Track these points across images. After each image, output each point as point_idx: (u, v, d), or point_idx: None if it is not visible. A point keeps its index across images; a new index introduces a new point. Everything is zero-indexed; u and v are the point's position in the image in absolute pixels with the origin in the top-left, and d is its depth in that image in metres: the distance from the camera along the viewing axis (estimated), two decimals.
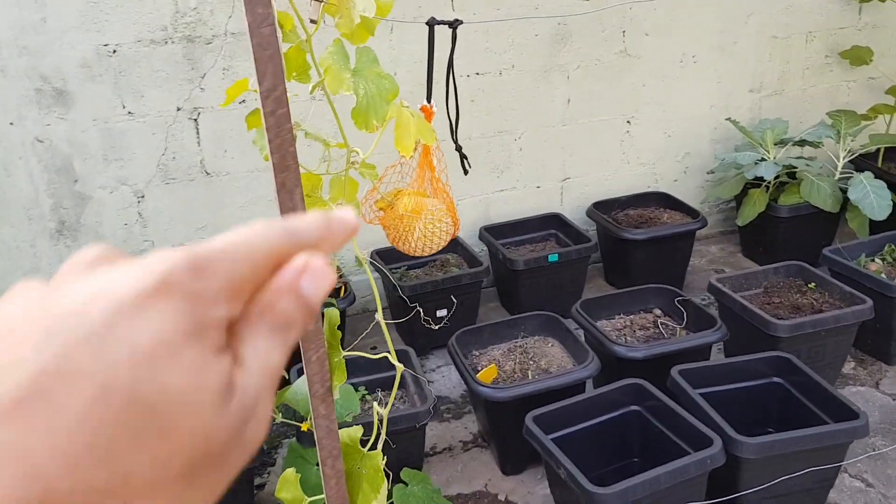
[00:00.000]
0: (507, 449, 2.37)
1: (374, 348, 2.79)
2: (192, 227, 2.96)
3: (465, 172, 1.74)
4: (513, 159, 3.36)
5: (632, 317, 2.73)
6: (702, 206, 3.71)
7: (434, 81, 1.60)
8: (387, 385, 2.40)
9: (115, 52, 2.67)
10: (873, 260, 2.98)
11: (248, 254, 0.31)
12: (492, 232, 3.24)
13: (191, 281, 0.28)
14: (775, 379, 2.30)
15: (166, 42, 2.72)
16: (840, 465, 2.07)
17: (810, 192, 3.26)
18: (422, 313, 1.82)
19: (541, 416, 2.08)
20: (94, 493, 0.25)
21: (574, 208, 3.53)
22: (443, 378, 2.88)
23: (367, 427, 2.08)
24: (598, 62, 3.34)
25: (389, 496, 1.95)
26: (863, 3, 3.67)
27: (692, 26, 3.45)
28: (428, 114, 1.52)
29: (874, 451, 2.40)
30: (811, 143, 3.44)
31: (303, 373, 1.12)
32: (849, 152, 3.50)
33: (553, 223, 3.39)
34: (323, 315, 1.18)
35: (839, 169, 3.48)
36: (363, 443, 1.45)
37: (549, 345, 2.54)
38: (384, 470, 1.40)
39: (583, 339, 2.55)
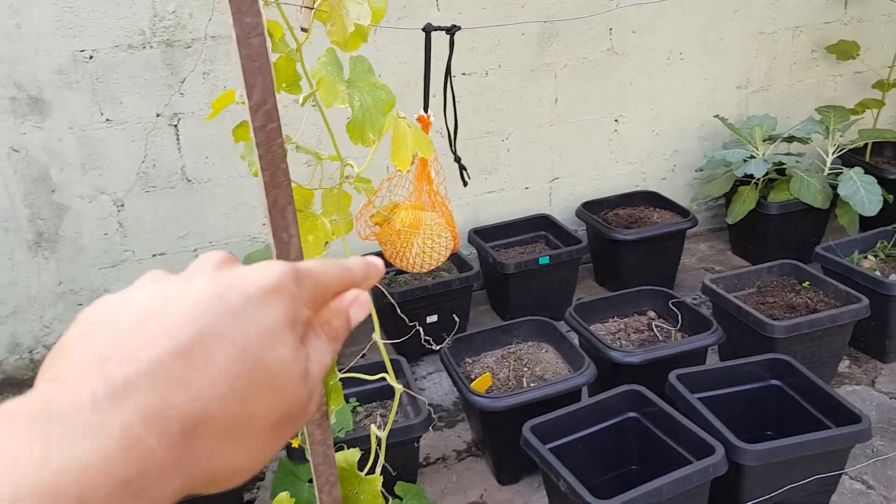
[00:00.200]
0: (503, 458, 2.32)
1: (364, 356, 2.73)
2: (174, 236, 2.89)
3: (465, 184, 1.69)
4: (501, 160, 3.31)
5: (626, 320, 2.69)
6: (691, 205, 3.68)
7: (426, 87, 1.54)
8: (379, 396, 2.35)
9: (91, 57, 2.59)
10: (866, 257, 2.95)
11: (325, 277, 0.42)
12: (481, 234, 3.19)
13: (293, 286, 0.38)
14: (774, 381, 2.26)
15: (144, 47, 2.64)
16: (843, 470, 2.04)
17: (800, 189, 3.24)
18: (422, 333, 1.76)
19: (538, 425, 2.03)
20: (232, 423, 0.34)
21: (563, 209, 3.49)
22: (434, 385, 2.83)
23: (361, 441, 2.03)
24: (585, 61, 3.30)
25: None
26: None
27: (679, 23, 3.41)
28: (425, 124, 1.45)
29: (874, 451, 2.37)
30: (800, 139, 3.41)
31: None
32: (837, 148, 3.48)
33: (542, 224, 3.34)
34: None
35: (828, 165, 3.46)
36: (360, 464, 1.39)
37: (544, 350, 2.50)
38: (382, 493, 1.35)
39: (577, 343, 2.51)
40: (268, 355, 0.35)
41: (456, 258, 3.05)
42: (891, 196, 3.22)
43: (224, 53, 2.74)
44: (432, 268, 1.50)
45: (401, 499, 2.06)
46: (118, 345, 0.33)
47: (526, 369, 2.41)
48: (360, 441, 2.03)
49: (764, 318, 2.47)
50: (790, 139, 3.43)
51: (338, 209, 1.12)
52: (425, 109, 1.49)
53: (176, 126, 2.76)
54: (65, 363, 0.33)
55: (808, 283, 2.78)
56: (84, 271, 2.81)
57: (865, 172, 3.21)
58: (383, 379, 1.41)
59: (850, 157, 3.57)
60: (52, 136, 2.62)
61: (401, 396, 2.30)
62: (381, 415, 2.32)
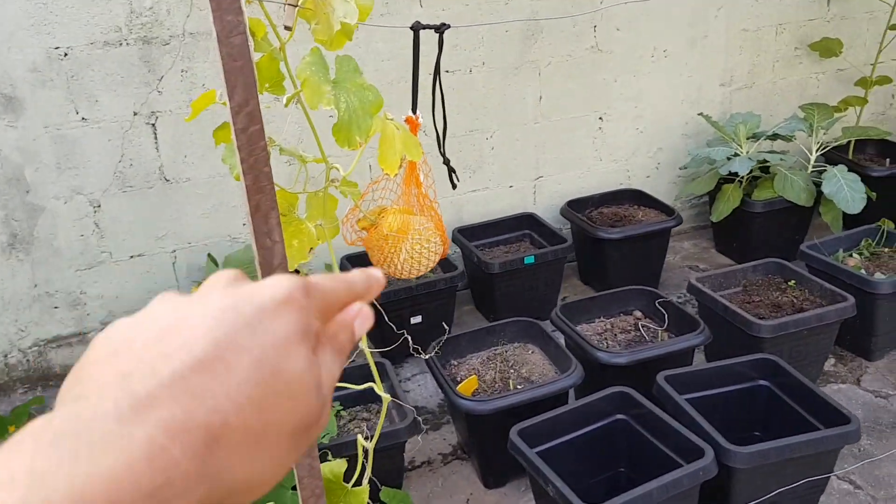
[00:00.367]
0: (490, 461, 2.29)
1: (353, 361, 2.69)
2: (152, 237, 2.83)
3: (454, 186, 1.65)
4: (485, 158, 3.27)
5: (612, 319, 2.67)
6: (675, 203, 3.67)
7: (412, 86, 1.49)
8: (363, 399, 2.31)
9: (66, 55, 2.53)
10: (851, 255, 2.95)
11: (332, 291, 0.42)
12: (465, 234, 3.16)
13: (303, 298, 0.39)
14: (762, 382, 2.25)
15: (121, 44, 2.58)
16: (832, 472, 2.03)
17: (784, 187, 3.23)
18: (410, 341, 1.72)
19: (525, 429, 2.00)
20: (251, 433, 0.34)
21: (547, 207, 3.46)
22: (419, 387, 2.79)
23: (347, 447, 1.99)
24: (569, 58, 3.27)
25: None
26: None
27: (663, 20, 3.39)
28: (413, 126, 1.41)
29: (860, 451, 2.36)
30: (784, 137, 3.41)
31: None
32: (821, 145, 3.48)
33: (527, 223, 3.31)
34: None
35: (812, 162, 3.45)
36: (346, 474, 1.36)
37: (530, 352, 2.47)
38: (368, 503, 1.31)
39: (563, 344, 2.48)
40: (283, 364, 0.36)
41: None
42: (874, 193, 3.22)
43: (203, 51, 2.68)
44: (420, 274, 1.46)
45: None
46: (139, 360, 0.34)
47: (512, 371, 2.38)
48: (345, 447, 1.99)
49: (751, 317, 2.45)
50: (774, 137, 3.42)
51: (323, 213, 1.08)
52: (413, 110, 1.45)
53: (154, 125, 2.70)
54: (88, 382, 0.34)
55: (793, 281, 2.77)
56: (60, 273, 2.75)
57: (849, 170, 3.21)
58: (366, 380, 1.37)
59: (833, 155, 3.57)
60: (26, 136, 2.56)
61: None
62: (364, 419, 2.28)
